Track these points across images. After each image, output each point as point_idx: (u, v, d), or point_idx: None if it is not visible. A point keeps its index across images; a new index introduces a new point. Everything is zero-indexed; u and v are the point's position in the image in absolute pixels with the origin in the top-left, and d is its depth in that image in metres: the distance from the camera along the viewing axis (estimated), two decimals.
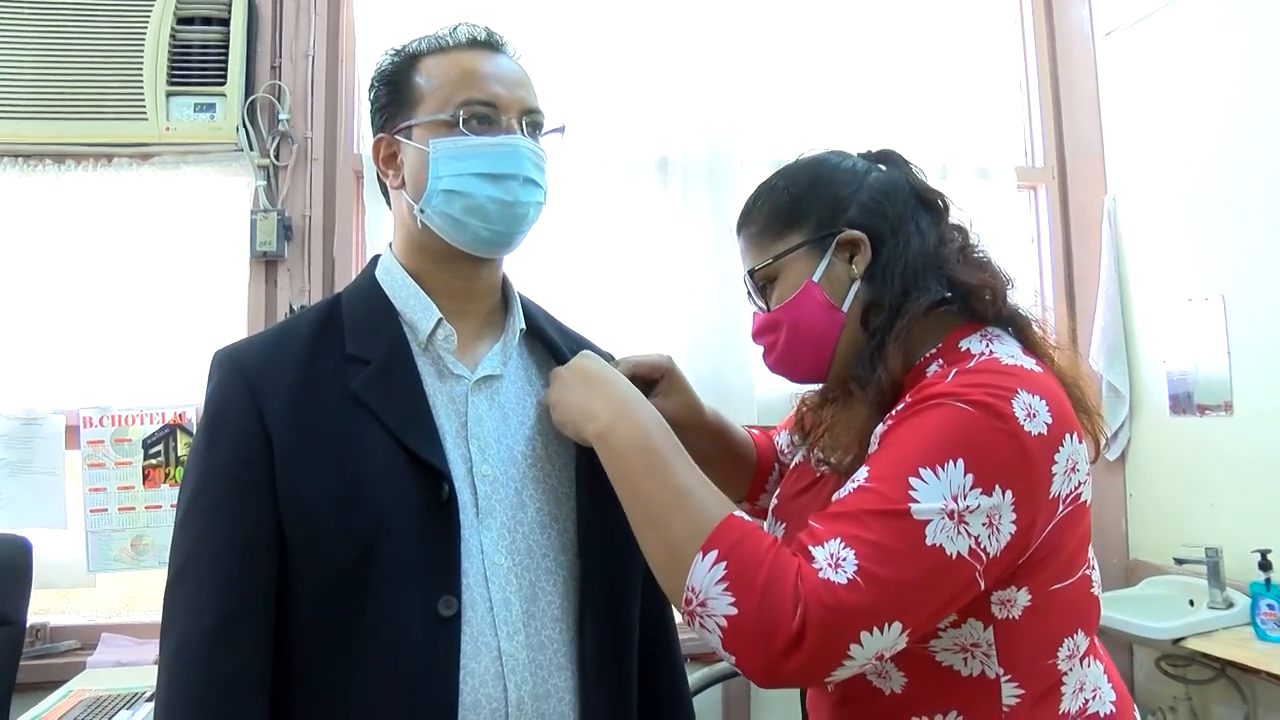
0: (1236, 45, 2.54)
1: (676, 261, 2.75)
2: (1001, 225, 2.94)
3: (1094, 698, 1.06)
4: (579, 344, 1.26)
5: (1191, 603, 2.53)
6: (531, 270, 2.51)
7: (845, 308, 1.12)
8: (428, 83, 1.10)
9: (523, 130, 1.10)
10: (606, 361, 1.18)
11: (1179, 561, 2.58)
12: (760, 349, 1.23)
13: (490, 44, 1.13)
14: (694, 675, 2.24)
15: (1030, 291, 2.90)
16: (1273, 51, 2.43)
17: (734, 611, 0.89)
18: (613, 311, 2.72)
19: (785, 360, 1.18)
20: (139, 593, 2.70)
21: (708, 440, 1.30)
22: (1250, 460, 2.51)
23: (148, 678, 2.20)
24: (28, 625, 2.31)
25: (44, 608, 2.56)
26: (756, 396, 2.69)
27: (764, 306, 1.18)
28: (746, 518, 0.97)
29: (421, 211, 1.09)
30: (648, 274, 2.76)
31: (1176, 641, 2.36)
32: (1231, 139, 2.57)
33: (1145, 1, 2.84)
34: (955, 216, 1.18)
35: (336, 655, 0.97)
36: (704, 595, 0.91)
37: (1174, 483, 2.80)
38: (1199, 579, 2.52)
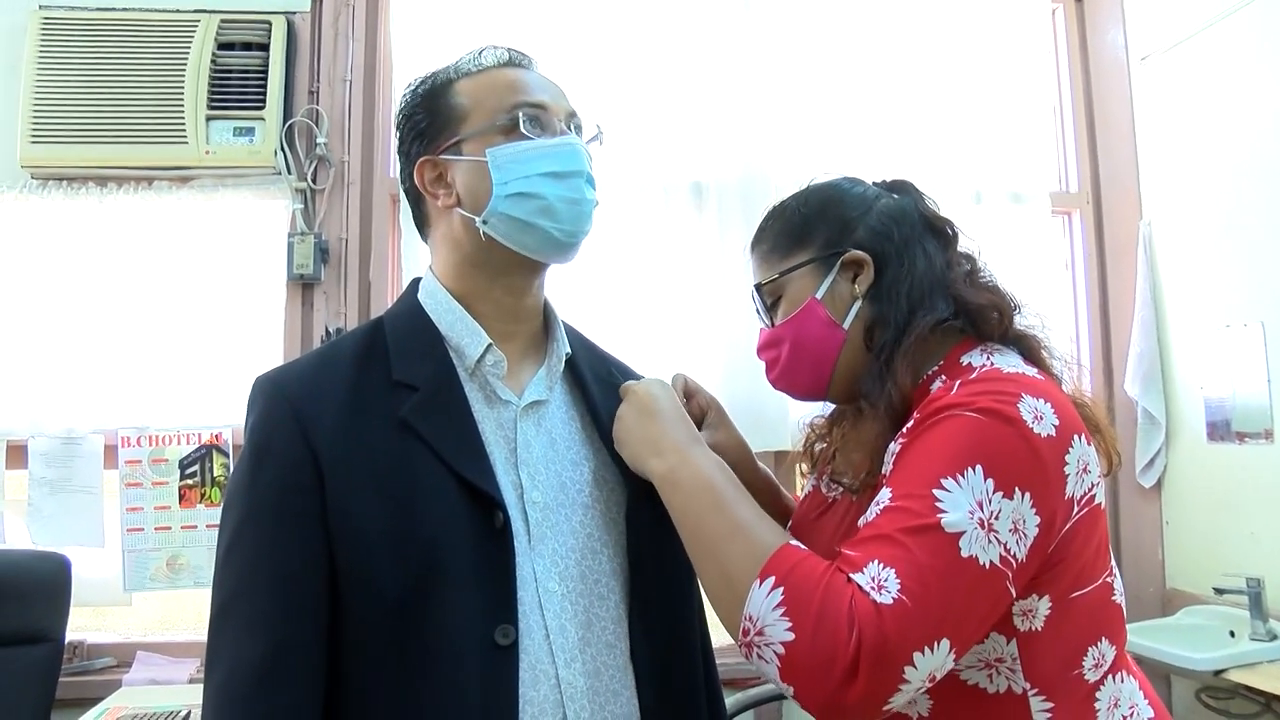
0: (1272, 70, 2.52)
1: (711, 285, 2.75)
2: (1036, 251, 2.94)
3: (1131, 714, 1.05)
4: (620, 370, 1.26)
5: (1232, 634, 2.48)
6: (567, 293, 2.52)
7: (846, 325, 1.14)
8: (469, 100, 1.11)
9: (571, 132, 1.12)
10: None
11: (1219, 591, 2.53)
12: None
13: (518, 63, 1.15)
14: (730, 699, 2.22)
15: (1064, 317, 2.93)
16: None
17: (790, 637, 0.89)
18: (648, 335, 2.73)
19: (786, 375, 1.20)
20: (174, 612, 2.72)
21: (750, 479, 1.29)
22: None
23: (182, 696, 2.23)
24: (66, 642, 2.33)
25: (82, 625, 2.58)
26: (791, 419, 2.68)
27: (770, 323, 1.20)
28: (802, 547, 0.97)
29: (485, 223, 1.08)
30: (682, 297, 2.77)
31: (1218, 673, 2.31)
32: (1269, 164, 2.54)
33: (1181, 27, 2.83)
34: (964, 245, 1.21)
35: (391, 686, 0.96)
36: (761, 623, 0.91)
37: (1212, 511, 2.76)
38: (1239, 609, 2.48)
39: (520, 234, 1.08)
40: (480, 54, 1.14)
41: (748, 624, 0.92)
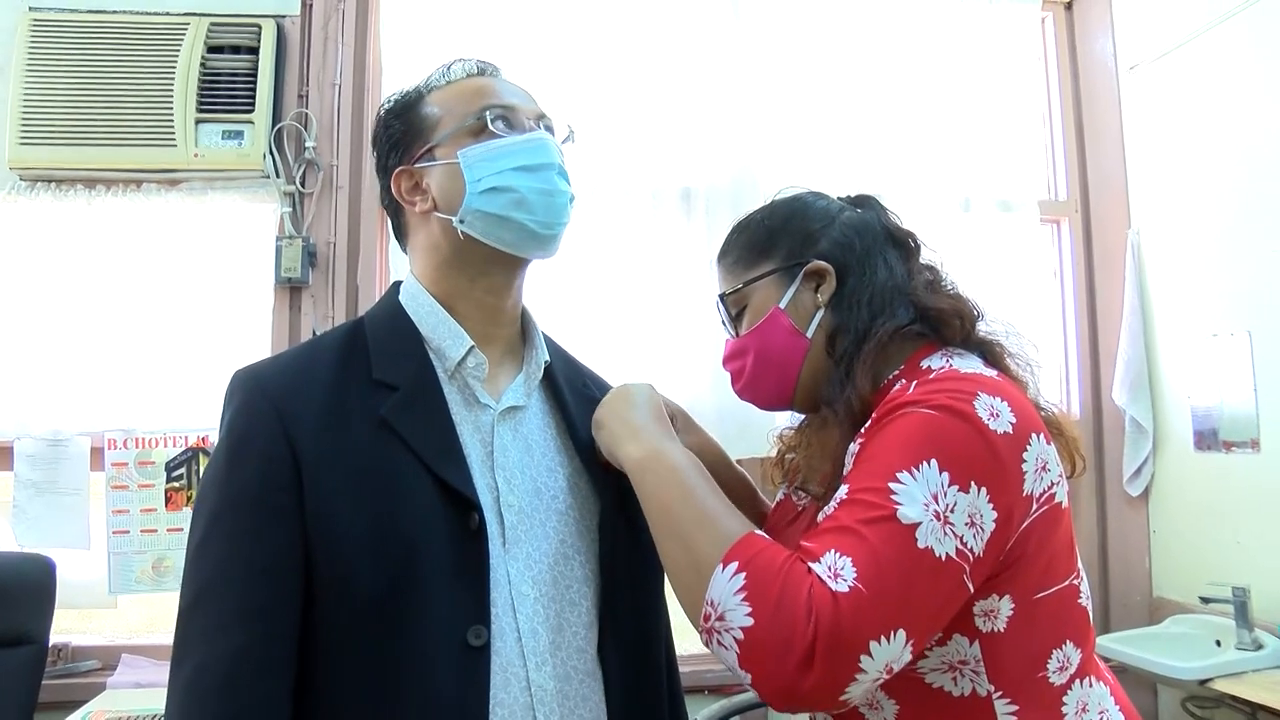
0: (1261, 79, 2.53)
1: (699, 292, 2.73)
2: (1024, 258, 2.95)
3: (1101, 719, 1.05)
4: (594, 382, 1.28)
5: (1218, 643, 2.49)
6: (554, 299, 2.53)
7: (809, 334, 1.17)
8: (440, 109, 1.13)
9: (541, 130, 1.14)
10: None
11: (1205, 600, 2.54)
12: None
13: (486, 73, 1.18)
14: (712, 707, 2.23)
15: (1052, 325, 2.94)
16: None
17: (750, 622, 0.89)
18: (636, 341, 2.73)
19: (751, 385, 1.22)
20: (160, 615, 2.71)
21: (726, 479, 1.30)
22: (1278, 498, 2.47)
23: None
24: (50, 645, 2.31)
25: (66, 627, 2.57)
26: (778, 426, 2.68)
27: (734, 333, 1.23)
28: (766, 536, 0.97)
29: (462, 221, 1.09)
30: (671, 304, 2.76)
31: (1203, 683, 2.31)
32: (1257, 173, 2.55)
33: (1169, 36, 2.84)
34: (927, 257, 1.23)
35: (363, 685, 0.96)
36: (722, 608, 0.91)
37: (1199, 520, 2.76)
38: (1226, 619, 2.47)
39: (497, 229, 1.09)
40: (449, 68, 1.17)
41: (709, 609, 0.93)
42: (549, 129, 1.16)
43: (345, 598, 0.96)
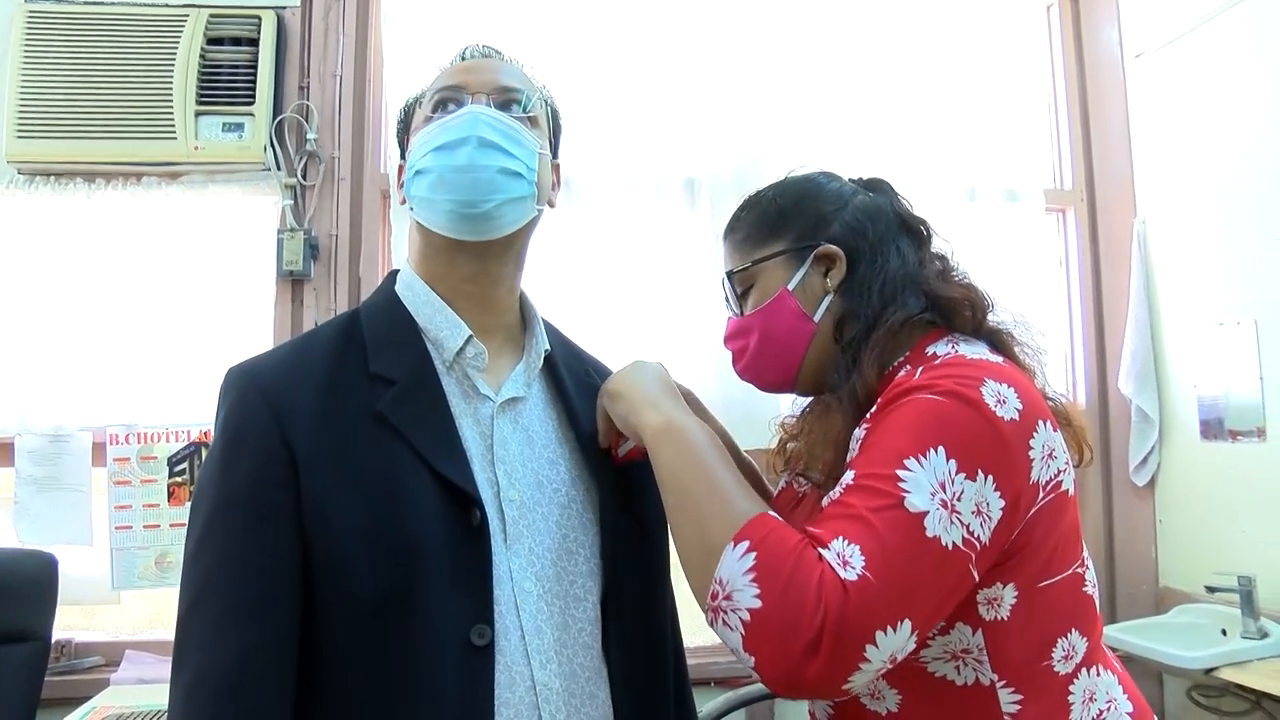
0: (1268, 68, 2.52)
1: (704, 282, 2.73)
2: (1029, 248, 2.94)
3: (1109, 709, 1.05)
4: (596, 369, 1.26)
5: (1224, 632, 2.49)
6: (558, 290, 2.52)
7: (816, 319, 1.15)
8: (421, 102, 1.14)
9: (487, 105, 1.10)
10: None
11: (1211, 590, 2.54)
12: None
13: (466, 56, 1.16)
14: (719, 699, 2.22)
15: (1058, 315, 2.93)
16: None
17: (757, 604, 0.88)
18: (640, 332, 2.71)
19: (753, 367, 1.21)
20: (163, 610, 2.69)
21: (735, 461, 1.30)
22: None
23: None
24: (53, 641, 2.30)
25: (69, 624, 2.56)
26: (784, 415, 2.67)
27: (739, 311, 1.22)
28: (779, 517, 0.96)
29: (412, 209, 1.09)
30: (675, 295, 2.74)
31: (1209, 671, 2.31)
32: (1263, 162, 2.54)
33: (1176, 24, 2.83)
34: (938, 245, 1.22)
35: (366, 687, 0.94)
36: (730, 587, 0.90)
37: (1205, 509, 2.76)
38: (1231, 608, 2.48)
39: (427, 211, 1.08)
40: (462, 55, 1.17)
41: (717, 587, 0.91)
42: (512, 102, 1.11)
43: (345, 597, 0.95)
